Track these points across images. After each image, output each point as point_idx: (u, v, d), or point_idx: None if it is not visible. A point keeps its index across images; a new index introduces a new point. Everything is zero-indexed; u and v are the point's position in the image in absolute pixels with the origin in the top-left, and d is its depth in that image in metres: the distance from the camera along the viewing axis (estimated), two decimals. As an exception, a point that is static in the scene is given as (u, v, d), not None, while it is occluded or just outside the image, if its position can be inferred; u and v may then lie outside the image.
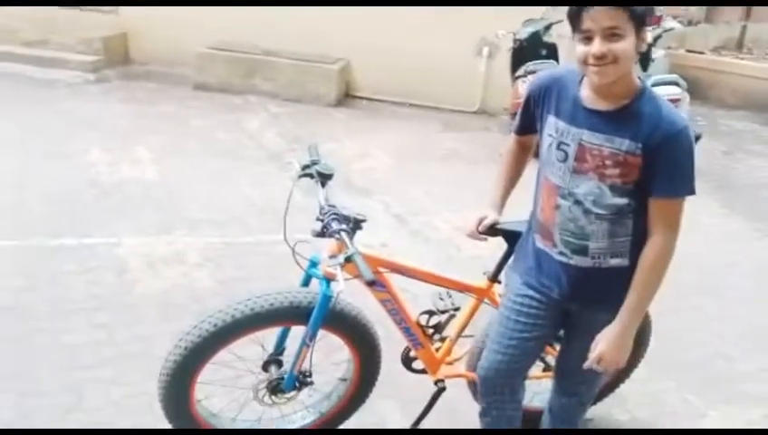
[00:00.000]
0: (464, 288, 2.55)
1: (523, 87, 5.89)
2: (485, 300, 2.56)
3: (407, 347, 2.63)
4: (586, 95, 1.93)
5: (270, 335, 2.41)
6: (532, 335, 2.17)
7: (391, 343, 2.70)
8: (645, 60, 6.93)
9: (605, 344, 1.99)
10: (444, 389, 2.62)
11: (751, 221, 5.48)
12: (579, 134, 1.93)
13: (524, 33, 6.64)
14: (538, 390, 2.81)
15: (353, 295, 2.36)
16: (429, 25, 7.47)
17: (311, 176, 2.37)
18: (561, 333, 2.29)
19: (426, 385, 2.65)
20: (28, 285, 3.50)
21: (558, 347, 2.40)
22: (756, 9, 12.55)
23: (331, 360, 2.60)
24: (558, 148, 1.98)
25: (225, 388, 2.50)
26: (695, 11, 11.81)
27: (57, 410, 2.70)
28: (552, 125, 2.00)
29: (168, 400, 2.31)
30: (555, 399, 2.36)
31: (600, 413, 2.98)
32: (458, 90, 7.75)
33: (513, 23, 6.78)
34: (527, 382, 2.61)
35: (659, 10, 8.92)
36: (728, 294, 4.25)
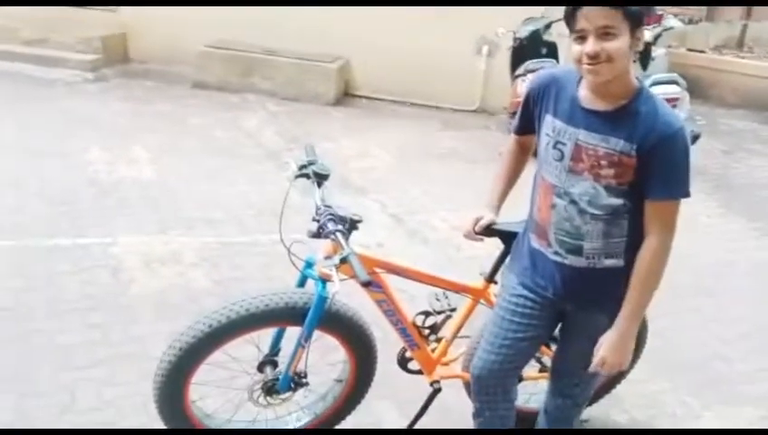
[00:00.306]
0: (460, 289, 2.54)
1: (523, 86, 5.87)
2: (482, 301, 2.56)
3: (403, 348, 2.62)
4: (584, 95, 1.93)
5: (265, 336, 2.40)
6: (527, 336, 2.16)
7: (387, 343, 2.69)
8: (645, 59, 6.90)
9: (607, 348, 1.99)
10: (440, 390, 2.61)
11: (750, 221, 5.47)
12: (575, 134, 1.93)
13: (524, 32, 6.62)
14: (534, 391, 2.80)
15: (350, 296, 2.35)
16: (429, 24, 7.45)
17: (307, 176, 2.36)
18: (557, 333, 2.28)
19: (421, 386, 2.64)
20: (24, 285, 3.49)
21: (554, 348, 2.39)
22: (757, 8, 12.53)
23: (326, 361, 2.59)
24: (554, 147, 1.98)
25: (220, 389, 2.50)
26: (695, 9, 11.79)
27: (52, 410, 2.70)
28: (550, 124, 2.00)
29: (163, 400, 2.30)
30: (551, 400, 2.36)
31: (596, 414, 2.97)
32: (458, 88, 7.73)
33: (513, 21, 6.76)
34: (523, 383, 2.61)
35: (660, 8, 8.91)
36: (726, 295, 4.24)
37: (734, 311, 4.06)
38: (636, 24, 1.79)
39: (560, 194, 1.98)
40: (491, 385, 2.22)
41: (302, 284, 2.37)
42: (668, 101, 5.78)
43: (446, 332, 2.61)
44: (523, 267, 2.16)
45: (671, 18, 10.28)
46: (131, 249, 3.94)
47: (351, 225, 2.25)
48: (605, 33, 1.77)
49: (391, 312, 2.44)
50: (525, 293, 2.14)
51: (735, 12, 12.71)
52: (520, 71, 6.10)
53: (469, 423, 2.48)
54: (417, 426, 2.68)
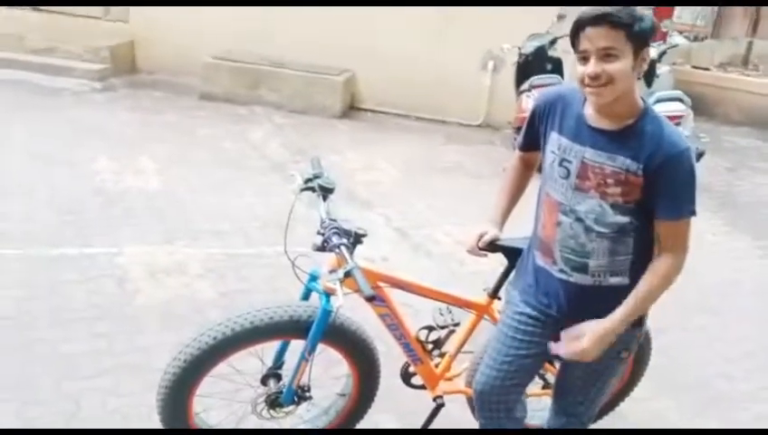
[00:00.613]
0: (463, 304, 2.54)
1: (528, 101, 5.90)
2: (485, 316, 2.56)
3: (406, 362, 2.62)
4: (590, 114, 1.95)
5: (269, 349, 2.41)
6: (529, 353, 2.16)
7: (391, 358, 2.70)
8: (649, 76, 6.93)
9: (589, 340, 1.96)
10: (443, 405, 2.61)
11: (755, 239, 5.47)
12: (581, 152, 1.94)
13: (530, 48, 6.64)
14: (537, 407, 2.79)
15: (354, 310, 2.36)
16: (435, 38, 7.50)
17: (312, 189, 2.38)
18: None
19: (425, 401, 2.64)
20: (29, 294, 3.50)
21: (557, 365, 2.38)
22: (763, 25, 12.57)
23: (330, 374, 2.60)
24: (560, 164, 1.99)
25: (224, 401, 2.50)
26: (701, 26, 11.84)
27: (56, 419, 2.70)
28: (556, 142, 2.01)
29: (167, 412, 2.31)
30: (554, 419, 2.35)
31: (599, 431, 2.96)
32: (463, 103, 7.77)
33: (519, 37, 6.79)
34: (527, 400, 2.60)
35: (665, 26, 8.95)
36: (731, 314, 4.23)
37: (739, 330, 4.06)
38: (639, 45, 1.81)
39: (565, 211, 1.99)
40: (493, 401, 2.21)
41: (306, 297, 2.38)
42: (672, 118, 5.84)
43: (449, 347, 2.61)
44: (526, 284, 2.16)
45: (676, 35, 10.33)
46: (137, 259, 3.95)
47: (356, 239, 2.26)
48: (606, 55, 1.78)
49: (395, 326, 2.44)
50: (528, 310, 2.14)
51: (741, 29, 12.76)
52: (525, 86, 6.13)
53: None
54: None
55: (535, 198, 2.16)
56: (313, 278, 2.32)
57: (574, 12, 1.86)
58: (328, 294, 2.23)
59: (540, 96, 2.17)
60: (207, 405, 2.46)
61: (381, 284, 2.36)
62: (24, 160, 5.20)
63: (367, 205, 5.20)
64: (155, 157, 5.60)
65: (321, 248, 2.22)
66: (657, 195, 1.86)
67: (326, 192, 2.36)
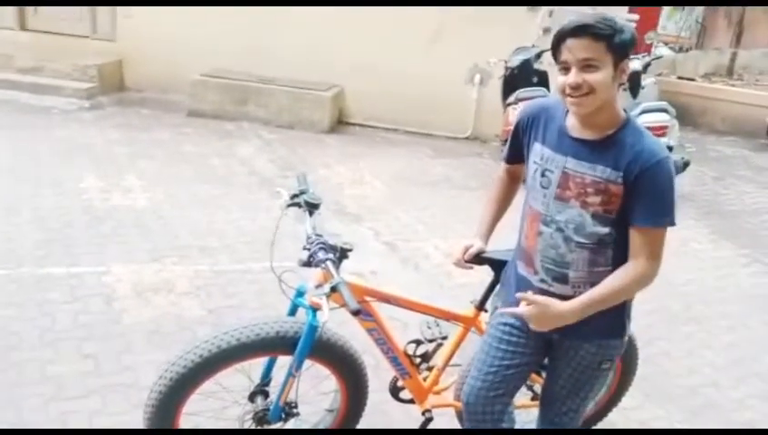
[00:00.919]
0: (450, 317, 2.56)
1: (514, 114, 5.93)
2: (472, 329, 2.57)
3: (394, 377, 2.63)
4: (572, 124, 1.97)
5: (256, 365, 2.41)
6: (512, 363, 2.17)
7: (379, 372, 2.70)
8: (635, 87, 6.99)
9: (538, 309, 1.93)
10: (431, 419, 2.61)
11: (740, 247, 5.51)
12: (563, 161, 1.96)
13: (515, 61, 6.71)
14: (526, 419, 2.79)
15: (342, 324, 2.37)
16: (422, 53, 7.55)
17: (299, 205, 2.39)
18: (547, 361, 2.29)
19: (413, 415, 2.64)
20: (16, 314, 3.48)
21: (544, 376, 2.39)
22: (746, 36, 12.75)
23: (317, 390, 2.59)
24: (542, 174, 2.01)
25: (212, 419, 2.49)
26: (686, 38, 11.98)
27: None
28: (538, 152, 2.04)
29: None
30: (540, 428, 2.36)
31: (589, 442, 2.97)
32: (450, 116, 7.81)
33: (505, 50, 6.85)
34: (516, 411, 2.61)
35: (649, 37, 9.04)
36: (717, 321, 4.25)
37: (725, 338, 4.08)
38: (620, 56, 1.84)
39: (546, 221, 2.01)
40: (479, 412, 2.22)
41: (293, 312, 2.39)
42: (658, 129, 5.90)
43: (437, 360, 2.62)
44: (510, 295, 2.17)
45: (661, 46, 10.44)
46: (125, 278, 3.94)
47: (342, 254, 2.27)
48: (587, 66, 1.81)
49: (382, 340, 2.45)
50: (512, 321, 2.16)
51: (725, 40, 12.93)
52: (511, 99, 6.17)
53: None
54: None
55: (521, 210, 2.18)
56: (300, 294, 2.32)
57: (559, 25, 1.89)
58: (314, 309, 2.23)
59: (523, 109, 2.20)
60: (195, 423, 2.45)
61: (368, 298, 2.37)
62: (11, 179, 5.19)
63: (356, 219, 5.21)
64: (143, 174, 5.60)
65: (308, 264, 2.23)
66: (635, 203, 1.88)
67: (312, 207, 2.37)
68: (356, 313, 2.03)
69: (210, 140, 6.81)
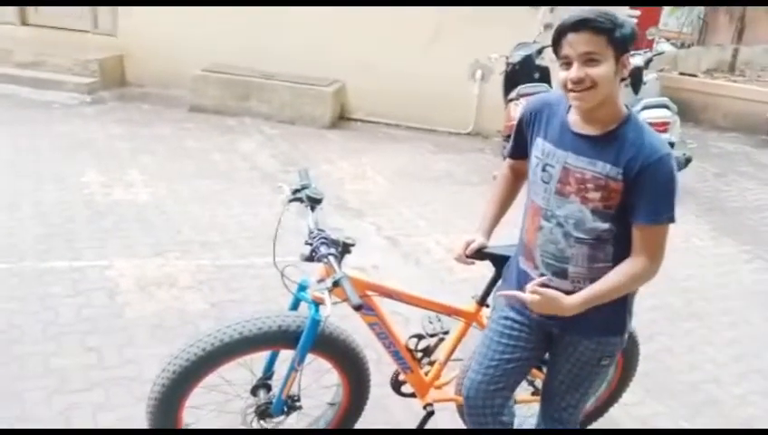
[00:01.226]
0: (452, 312, 2.56)
1: (516, 110, 5.92)
2: (474, 324, 2.57)
3: (396, 371, 2.63)
4: (574, 120, 1.97)
5: (259, 359, 2.42)
6: (513, 357, 2.18)
7: (381, 366, 2.70)
8: (636, 83, 6.97)
9: (544, 299, 1.93)
10: (432, 413, 2.63)
11: (741, 244, 5.51)
12: (564, 156, 1.96)
13: (517, 57, 6.68)
14: (527, 414, 2.80)
15: (344, 319, 2.38)
16: (423, 48, 7.54)
17: (300, 200, 2.39)
18: (548, 356, 2.29)
19: (415, 409, 2.65)
20: (19, 308, 3.49)
21: (545, 371, 2.40)
22: (748, 32, 12.72)
23: (320, 384, 2.60)
24: (543, 169, 2.02)
25: (214, 412, 2.50)
26: (687, 34, 11.96)
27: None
28: (540, 147, 2.04)
29: (157, 424, 2.31)
30: (541, 423, 2.37)
31: (590, 437, 2.98)
32: (452, 112, 7.81)
33: (506, 46, 6.84)
34: (517, 406, 2.62)
35: (650, 33, 9.03)
36: (718, 318, 4.26)
37: (727, 334, 4.08)
38: (620, 50, 1.84)
39: (547, 216, 2.02)
40: (479, 405, 2.23)
41: (295, 307, 2.39)
42: (659, 125, 5.89)
43: (439, 354, 2.63)
44: (511, 289, 2.17)
45: (663, 42, 10.42)
46: (127, 272, 3.95)
47: (344, 248, 2.28)
48: (589, 60, 1.81)
49: (384, 335, 2.46)
50: (513, 315, 2.17)
51: (726, 36, 12.91)
52: (513, 95, 6.16)
53: None
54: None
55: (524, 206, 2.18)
56: (302, 288, 2.33)
57: (560, 21, 1.89)
58: (317, 303, 2.24)
59: (526, 104, 2.20)
60: (198, 416, 2.45)
61: (370, 293, 2.38)
62: (12, 174, 5.20)
63: (358, 214, 5.21)
64: (144, 169, 5.60)
65: (310, 258, 2.23)
66: (636, 199, 1.88)
67: (314, 202, 2.37)
68: (358, 307, 2.03)
69: (212, 135, 6.82)
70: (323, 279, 2.21)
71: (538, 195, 2.05)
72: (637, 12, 7.77)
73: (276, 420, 2.46)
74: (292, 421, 2.54)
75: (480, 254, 2.34)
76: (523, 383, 2.52)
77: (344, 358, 2.44)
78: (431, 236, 4.94)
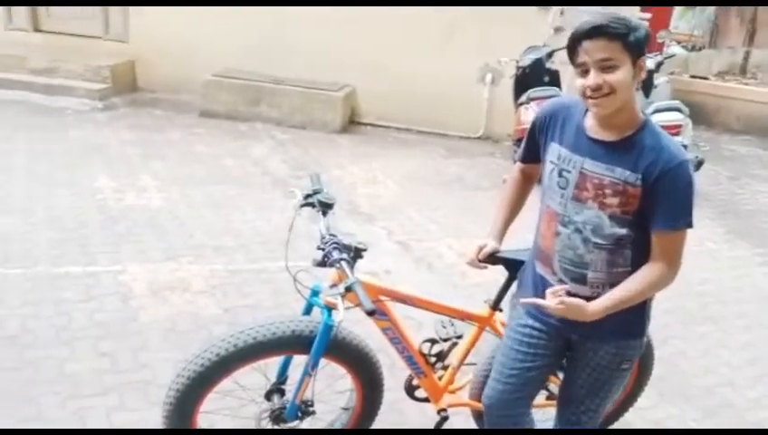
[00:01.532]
0: (465, 316, 2.55)
1: (527, 113, 5.92)
2: (487, 328, 2.57)
3: (409, 375, 2.63)
4: (590, 125, 1.97)
5: (272, 364, 2.42)
6: (534, 365, 2.17)
7: (395, 371, 2.70)
8: (648, 86, 6.95)
9: (567, 306, 1.92)
10: (447, 418, 2.62)
11: (755, 247, 5.47)
12: (580, 162, 1.95)
13: (527, 60, 6.68)
14: (542, 418, 2.79)
15: (358, 323, 2.37)
16: (433, 53, 7.55)
17: (312, 205, 2.40)
18: (565, 362, 2.28)
19: (429, 414, 2.64)
20: (33, 312, 3.51)
21: (561, 376, 2.39)
22: (759, 35, 12.65)
23: (333, 389, 2.60)
24: (559, 175, 2.01)
25: (228, 417, 2.51)
26: (698, 36, 11.90)
27: (60, 438, 2.71)
28: (555, 152, 2.03)
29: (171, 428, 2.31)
30: (558, 426, 2.35)
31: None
32: (462, 116, 7.80)
33: (516, 50, 6.84)
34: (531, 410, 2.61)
35: (661, 36, 8.99)
36: (733, 321, 4.23)
37: (741, 337, 4.06)
38: (636, 54, 1.83)
39: (564, 222, 2.01)
40: (501, 415, 2.22)
41: (308, 312, 2.40)
42: (671, 128, 5.86)
43: (452, 359, 2.62)
44: (528, 295, 2.17)
45: (674, 45, 10.37)
46: (140, 277, 3.97)
47: (356, 253, 2.27)
48: (606, 66, 1.81)
49: (397, 339, 2.45)
50: (531, 322, 2.16)
51: (738, 39, 12.84)
52: (523, 99, 6.15)
53: None
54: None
55: (537, 208, 2.17)
56: (315, 293, 2.33)
57: (571, 24, 1.89)
58: (329, 308, 2.24)
59: (541, 108, 2.19)
60: (212, 421, 2.47)
61: (382, 297, 2.37)
62: (26, 180, 5.23)
63: (369, 218, 5.22)
64: (156, 174, 5.63)
65: (322, 263, 2.24)
66: (654, 205, 1.87)
67: (326, 207, 2.38)
68: (371, 312, 2.03)
69: (223, 140, 6.84)
70: (336, 284, 2.21)
71: (554, 200, 2.03)
72: (647, 14, 7.73)
73: (290, 424, 2.46)
74: (305, 426, 2.55)
75: (493, 258, 2.33)
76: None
77: (357, 363, 2.44)
78: (443, 241, 4.94)
